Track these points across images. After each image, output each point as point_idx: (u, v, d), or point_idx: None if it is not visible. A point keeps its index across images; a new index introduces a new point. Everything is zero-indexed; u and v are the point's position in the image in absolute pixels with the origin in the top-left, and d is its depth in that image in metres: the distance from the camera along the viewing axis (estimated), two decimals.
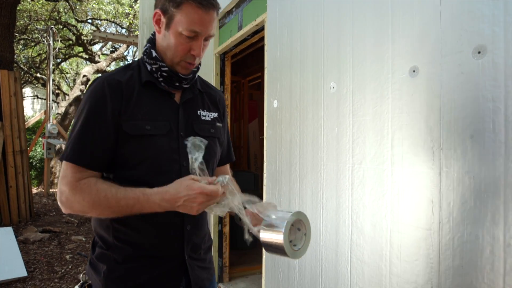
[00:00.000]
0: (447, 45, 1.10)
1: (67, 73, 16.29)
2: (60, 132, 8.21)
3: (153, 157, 0.99)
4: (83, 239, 4.60)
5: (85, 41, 12.30)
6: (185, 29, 0.95)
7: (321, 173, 1.68)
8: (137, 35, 8.97)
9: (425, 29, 1.18)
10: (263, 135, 2.27)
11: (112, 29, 13.87)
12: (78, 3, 11.04)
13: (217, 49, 3.09)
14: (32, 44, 12.34)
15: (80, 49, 12.97)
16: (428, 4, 1.17)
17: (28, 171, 5.63)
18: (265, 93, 2.23)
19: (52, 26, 8.63)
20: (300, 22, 1.88)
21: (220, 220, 3.20)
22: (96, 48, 14.35)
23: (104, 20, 12.33)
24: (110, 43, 12.69)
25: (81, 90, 10.76)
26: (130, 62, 1.11)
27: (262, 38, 2.42)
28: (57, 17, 11.40)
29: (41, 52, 12.73)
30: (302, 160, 1.84)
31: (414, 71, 1.21)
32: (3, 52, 5.32)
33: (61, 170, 0.97)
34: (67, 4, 10.71)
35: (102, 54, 13.77)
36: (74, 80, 15.16)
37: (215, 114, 1.16)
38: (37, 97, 17.57)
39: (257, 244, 0.98)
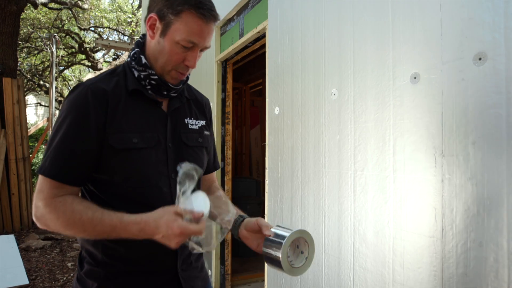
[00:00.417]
0: (448, 52, 1.11)
1: (69, 80, 16.40)
2: None
3: (141, 171, 0.95)
4: None
5: (88, 48, 12.40)
6: (183, 39, 0.91)
7: (323, 180, 1.68)
8: None
9: (426, 35, 1.18)
10: (265, 141, 2.27)
11: (114, 36, 13.99)
12: (81, 12, 11.15)
13: (218, 56, 3.10)
14: (36, 52, 12.45)
15: (83, 56, 13.09)
16: (429, 10, 1.17)
17: (30, 178, 5.64)
18: (267, 100, 2.23)
19: (55, 34, 8.71)
20: (301, 29, 1.89)
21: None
22: (98, 55, 14.47)
23: (107, 28, 12.44)
24: (112, 50, 12.77)
25: None
26: (115, 67, 1.04)
27: (264, 45, 2.43)
28: (60, 25, 11.51)
29: (44, 59, 12.84)
30: (304, 167, 1.83)
31: (415, 78, 1.21)
32: (7, 60, 5.36)
33: (38, 183, 0.90)
34: (70, 12, 10.82)
35: (105, 61, 13.87)
36: None
37: (202, 122, 1.13)
38: (40, 104, 17.68)
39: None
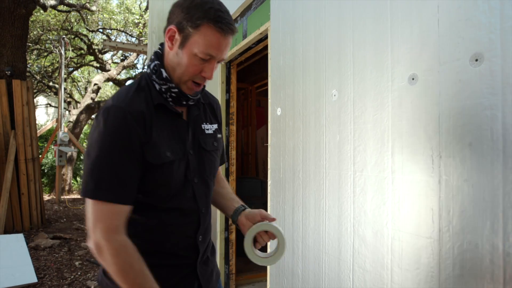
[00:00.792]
0: (445, 53, 1.11)
1: (78, 81, 16.61)
2: (71, 139, 8.35)
3: (171, 182, 0.99)
4: None
5: (96, 50, 12.54)
6: (201, 52, 0.93)
7: (323, 181, 1.69)
8: (146, 44, 9.12)
9: (424, 36, 1.18)
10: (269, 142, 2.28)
11: (122, 38, 14.12)
12: (89, 13, 11.28)
13: None
14: (45, 53, 12.63)
15: (92, 58, 13.23)
16: (427, 11, 1.17)
17: (39, 178, 5.74)
18: (269, 101, 2.25)
19: (64, 36, 8.83)
20: (302, 31, 1.90)
21: (226, 227, 3.21)
22: (107, 56, 14.63)
23: (115, 29, 12.57)
24: (120, 51, 12.90)
25: (92, 99, 10.95)
26: (138, 79, 1.04)
27: (267, 46, 2.45)
28: (69, 27, 11.66)
29: (54, 61, 13.02)
30: (305, 168, 1.84)
31: (413, 79, 1.22)
32: (16, 63, 5.46)
33: (91, 209, 0.89)
34: (79, 14, 10.96)
35: (113, 62, 14.01)
36: (86, 88, 15.43)
37: (215, 126, 1.18)
38: (50, 105, 17.93)
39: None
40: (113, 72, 11.79)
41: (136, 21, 12.07)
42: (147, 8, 11.74)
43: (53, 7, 8.54)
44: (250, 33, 2.62)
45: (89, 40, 12.25)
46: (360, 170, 1.45)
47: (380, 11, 1.36)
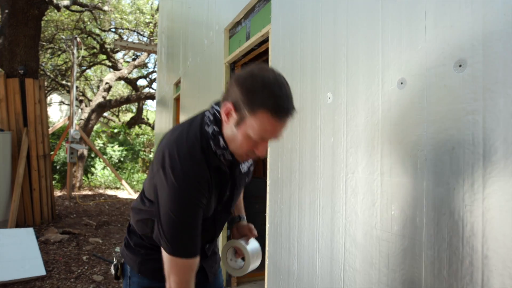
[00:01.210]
0: (431, 58, 1.13)
1: (91, 80, 16.89)
2: (82, 137, 8.52)
3: (208, 217, 1.10)
4: (100, 241, 4.76)
5: (109, 49, 12.75)
6: (256, 135, 0.93)
7: (318, 182, 1.72)
8: (156, 44, 9.24)
9: (412, 42, 1.21)
10: None
11: (134, 37, 14.31)
12: (102, 13, 11.47)
13: (227, 58, 3.17)
14: (59, 52, 12.89)
15: (104, 56, 13.46)
16: (415, 17, 1.20)
17: (50, 175, 5.88)
18: None
19: (76, 36, 9.01)
20: (300, 34, 1.93)
21: (229, 226, 3.25)
22: (119, 56, 14.84)
23: (126, 29, 12.74)
24: (132, 51, 13.08)
25: (103, 97, 11.14)
26: (198, 134, 1.03)
27: (268, 48, 2.48)
28: (82, 27, 11.88)
29: (67, 60, 13.28)
30: (302, 168, 1.88)
31: (401, 83, 1.24)
32: (29, 62, 5.61)
33: (166, 260, 1.01)
34: (91, 14, 11.15)
35: (125, 61, 14.21)
36: (98, 87, 15.69)
37: (249, 162, 1.23)
38: (63, 103, 18.28)
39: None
40: (124, 71, 11.97)
41: (147, 21, 12.22)
42: (158, 9, 11.87)
43: (67, 7, 8.73)
44: (253, 35, 2.66)
45: (101, 39, 12.46)
46: (352, 172, 1.47)
47: (372, 16, 1.39)
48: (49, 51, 12.90)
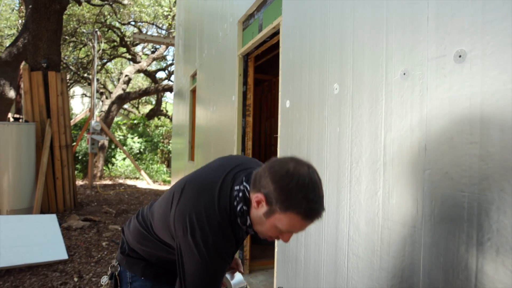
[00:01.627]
0: (433, 49, 1.14)
1: (112, 72, 17.26)
2: (103, 128, 8.77)
3: None
4: (119, 228, 4.94)
5: (128, 42, 12.98)
6: (284, 229, 0.95)
7: (324, 171, 1.75)
8: (174, 37, 9.34)
9: (414, 33, 1.21)
10: (277, 133, 2.36)
11: (153, 30, 14.50)
12: (122, 7, 11.67)
13: (240, 50, 3.21)
14: (81, 46, 13.23)
15: (124, 49, 13.72)
16: (418, 8, 1.20)
17: (72, 164, 6.11)
18: (280, 93, 2.32)
19: (97, 29, 9.22)
20: (309, 26, 1.95)
21: None
22: (138, 48, 15.08)
23: (145, 22, 12.92)
24: (151, 44, 13.27)
25: (123, 89, 11.38)
26: (227, 213, 1.04)
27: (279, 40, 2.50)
28: (103, 20, 12.13)
29: (89, 53, 13.61)
30: (309, 158, 1.91)
31: (404, 74, 1.25)
32: (51, 55, 5.80)
33: None
34: (111, 7, 11.36)
35: (144, 54, 14.44)
36: (119, 79, 16.02)
37: None
38: (85, 96, 18.77)
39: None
40: (143, 63, 12.17)
41: (165, 13, 12.34)
42: (175, 2, 11.96)
43: (87, 1, 8.93)
44: (265, 27, 2.68)
45: (121, 32, 12.69)
46: (356, 162, 1.50)
47: (377, 8, 1.40)
48: (71, 44, 13.24)
